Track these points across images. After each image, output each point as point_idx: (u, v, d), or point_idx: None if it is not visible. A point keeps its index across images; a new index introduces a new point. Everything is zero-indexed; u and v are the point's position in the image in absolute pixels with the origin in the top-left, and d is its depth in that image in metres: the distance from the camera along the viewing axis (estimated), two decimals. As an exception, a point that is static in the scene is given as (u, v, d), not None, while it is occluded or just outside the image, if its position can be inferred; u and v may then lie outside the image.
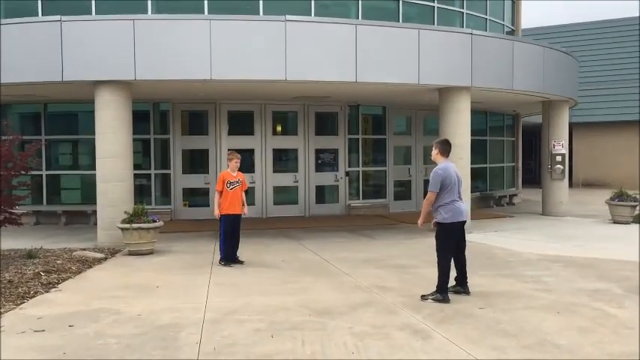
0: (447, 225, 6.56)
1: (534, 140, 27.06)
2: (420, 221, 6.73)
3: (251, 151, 14.79)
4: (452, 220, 6.55)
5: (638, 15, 26.73)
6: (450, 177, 6.55)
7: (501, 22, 18.03)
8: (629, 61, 26.55)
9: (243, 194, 8.96)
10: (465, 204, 6.85)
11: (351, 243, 10.91)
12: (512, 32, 18.88)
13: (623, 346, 4.95)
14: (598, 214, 15.18)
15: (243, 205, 8.93)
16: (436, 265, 6.60)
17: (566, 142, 15.63)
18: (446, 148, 6.79)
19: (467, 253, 6.91)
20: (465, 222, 6.75)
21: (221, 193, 8.76)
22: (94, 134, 10.79)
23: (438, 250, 6.63)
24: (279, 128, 15.44)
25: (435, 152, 6.81)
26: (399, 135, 16.70)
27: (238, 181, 8.84)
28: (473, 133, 12.72)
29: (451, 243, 6.61)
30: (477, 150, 16.43)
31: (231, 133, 14.72)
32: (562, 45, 18.60)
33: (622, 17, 27.51)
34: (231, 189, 8.75)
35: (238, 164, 8.92)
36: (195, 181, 14.66)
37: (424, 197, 6.75)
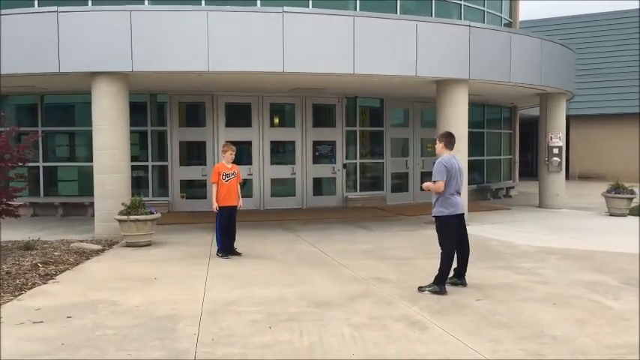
0: (444, 218, 6.59)
1: (531, 133, 27.11)
2: (424, 185, 6.81)
3: (248, 143, 14.79)
4: (448, 214, 6.57)
5: (637, 7, 26.69)
6: (453, 170, 6.56)
7: (499, 15, 18.01)
8: (627, 54, 26.55)
9: (239, 186, 8.98)
10: (462, 197, 6.86)
11: (348, 235, 10.93)
12: (510, 25, 18.86)
13: (619, 337, 4.98)
14: (594, 207, 15.22)
15: (239, 197, 8.94)
16: (434, 256, 6.62)
17: (563, 135, 15.65)
18: (450, 140, 6.80)
19: (465, 245, 6.93)
20: (462, 214, 6.77)
21: (217, 185, 8.77)
22: (91, 126, 10.75)
23: (440, 243, 6.65)
24: (276, 120, 15.42)
25: (439, 145, 6.79)
26: (396, 127, 16.70)
27: (233, 172, 8.84)
28: (470, 125, 12.73)
29: (452, 235, 6.62)
30: (475, 142, 16.43)
31: (228, 125, 14.71)
32: (560, 37, 18.59)
33: (620, 10, 27.48)
34: (226, 181, 8.75)
35: (233, 156, 8.92)
36: (193, 173, 14.66)
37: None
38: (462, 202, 6.78)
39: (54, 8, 10.22)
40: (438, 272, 6.51)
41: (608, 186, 14.12)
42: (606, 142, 26.36)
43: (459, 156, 7.32)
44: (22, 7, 11.10)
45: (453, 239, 6.63)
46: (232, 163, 8.92)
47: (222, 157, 9.01)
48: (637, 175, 22.87)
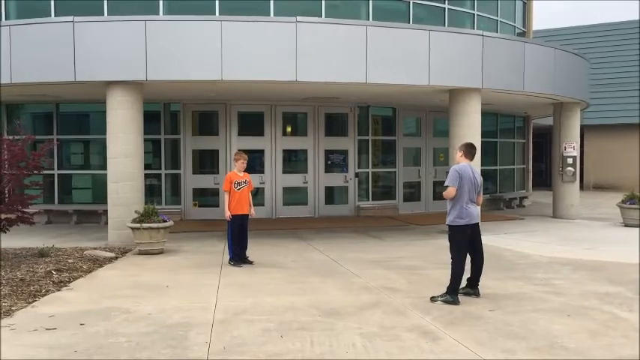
0: (457, 227, 6.57)
1: (545, 142, 26.92)
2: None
3: (261, 152, 14.85)
4: (461, 223, 6.55)
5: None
6: (467, 177, 6.54)
7: (512, 24, 17.97)
8: (642, 63, 26.31)
9: (250, 194, 9.01)
10: (477, 207, 6.82)
11: (360, 244, 10.91)
12: (523, 34, 18.80)
13: (634, 349, 4.92)
14: (609, 217, 15.08)
15: (250, 205, 8.97)
16: (445, 266, 6.59)
17: (577, 145, 15.54)
18: (470, 151, 6.83)
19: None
20: (477, 224, 6.73)
21: (229, 193, 8.81)
22: (105, 134, 10.86)
23: (451, 252, 6.63)
24: (289, 129, 15.47)
25: (459, 154, 6.85)
26: (408, 136, 16.68)
27: (245, 181, 8.88)
28: (483, 134, 12.68)
29: (464, 245, 6.59)
30: (488, 152, 16.39)
31: (241, 133, 14.78)
32: (574, 46, 18.49)
33: (635, 19, 27.29)
34: (238, 189, 8.79)
35: (245, 165, 8.96)
36: (205, 181, 14.72)
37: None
38: (476, 211, 6.74)
39: (70, 18, 10.35)
40: (449, 282, 6.48)
41: (623, 196, 13.99)
42: (621, 153, 26.09)
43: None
44: (40, 17, 11.26)
45: (465, 248, 6.61)
46: (244, 171, 8.96)
47: (234, 165, 9.05)
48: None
